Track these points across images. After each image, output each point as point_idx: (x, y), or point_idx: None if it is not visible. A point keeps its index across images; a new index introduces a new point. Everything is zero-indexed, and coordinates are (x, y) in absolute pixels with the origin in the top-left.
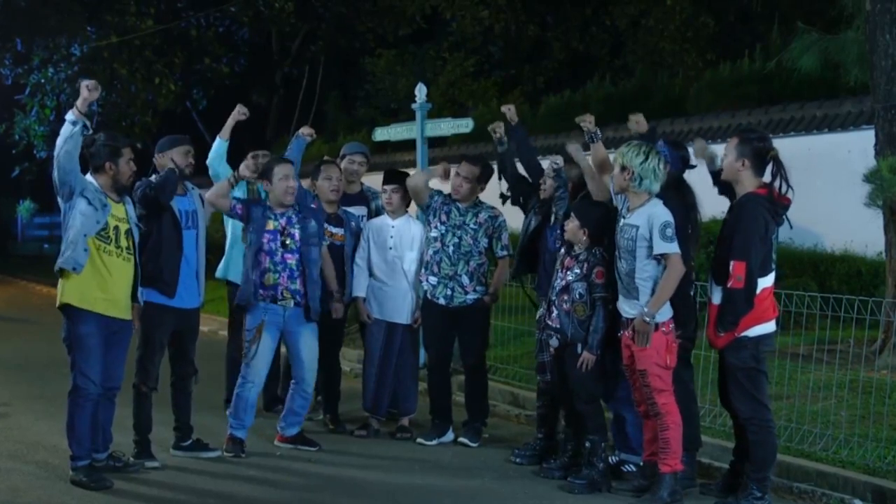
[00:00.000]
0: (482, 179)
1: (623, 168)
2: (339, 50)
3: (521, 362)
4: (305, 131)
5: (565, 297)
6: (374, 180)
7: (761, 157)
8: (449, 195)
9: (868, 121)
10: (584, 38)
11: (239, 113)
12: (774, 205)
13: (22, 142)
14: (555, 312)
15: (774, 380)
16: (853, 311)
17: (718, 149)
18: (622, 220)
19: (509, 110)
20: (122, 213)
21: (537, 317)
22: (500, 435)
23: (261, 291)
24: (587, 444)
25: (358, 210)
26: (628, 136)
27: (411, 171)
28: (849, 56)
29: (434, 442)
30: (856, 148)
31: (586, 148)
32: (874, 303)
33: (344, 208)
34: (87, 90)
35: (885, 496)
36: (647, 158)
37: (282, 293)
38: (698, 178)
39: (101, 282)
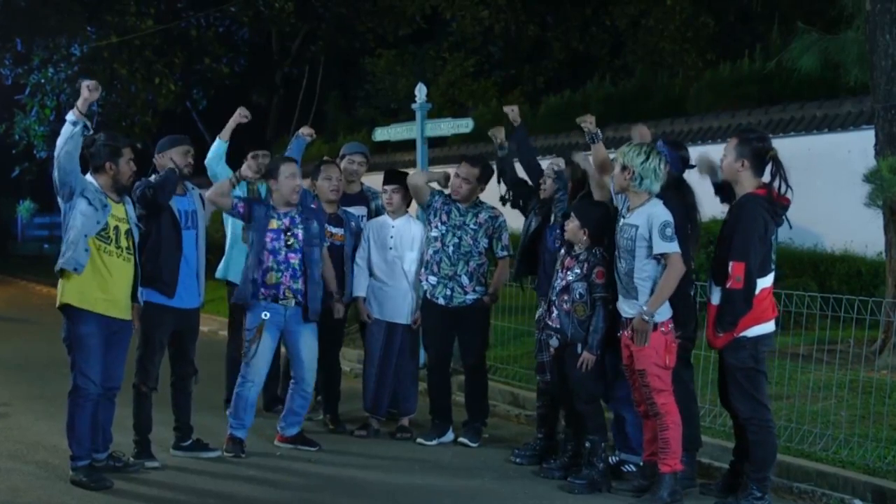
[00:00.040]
0: (482, 180)
1: (624, 168)
2: (339, 50)
3: (521, 362)
4: (305, 131)
5: (565, 297)
6: (374, 180)
7: (761, 157)
8: (450, 195)
9: (868, 121)
10: (584, 38)
11: (240, 115)
12: (774, 205)
13: (22, 142)
14: (555, 312)
15: (774, 380)
16: (853, 311)
17: (718, 149)
18: (622, 219)
19: (512, 111)
20: (122, 214)
21: (536, 317)
22: (500, 435)
23: (262, 290)
24: (587, 444)
25: (358, 210)
26: (628, 136)
27: (411, 171)
28: (849, 56)
29: (434, 442)
30: (856, 148)
31: (587, 148)
32: (874, 303)
33: (344, 208)
34: (88, 90)
35: (885, 496)
36: (647, 158)
37: (284, 292)
38: (698, 178)
39: (102, 282)
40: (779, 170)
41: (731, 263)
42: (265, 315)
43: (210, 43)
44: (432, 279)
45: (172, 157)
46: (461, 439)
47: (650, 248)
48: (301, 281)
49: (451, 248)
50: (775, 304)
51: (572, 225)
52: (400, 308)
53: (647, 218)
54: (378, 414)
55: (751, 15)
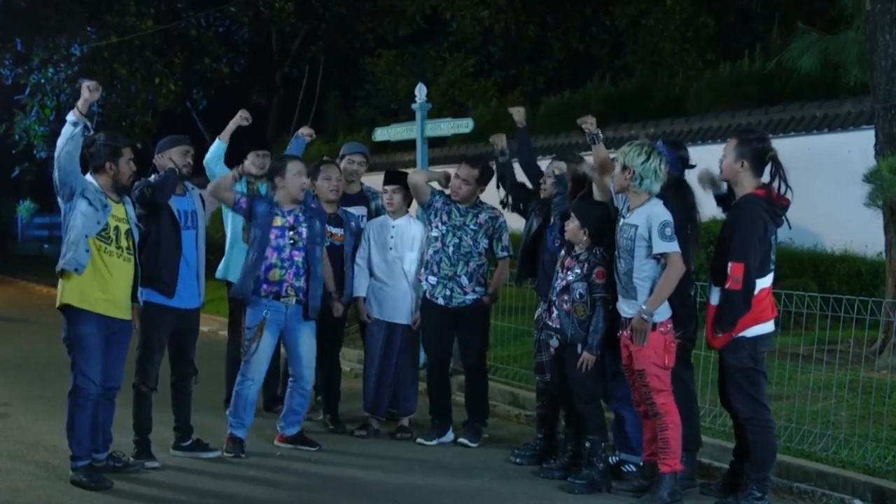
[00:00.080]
0: (482, 181)
1: (624, 167)
2: (339, 50)
3: (521, 362)
4: (305, 131)
5: (565, 297)
6: (374, 180)
7: (760, 157)
8: (450, 195)
9: (868, 121)
10: (584, 38)
11: (241, 118)
12: (773, 205)
13: (22, 142)
14: (555, 313)
15: (774, 380)
16: (853, 311)
17: (718, 149)
18: (622, 219)
19: (518, 112)
20: (122, 214)
21: (535, 317)
22: (500, 435)
23: (265, 286)
24: (587, 444)
25: (358, 210)
26: (628, 136)
27: (411, 171)
28: (849, 56)
29: (434, 442)
30: (856, 148)
31: (587, 149)
32: (874, 303)
33: (344, 208)
34: (88, 91)
35: (885, 496)
36: (648, 158)
37: (286, 290)
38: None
39: (102, 282)
40: (778, 170)
41: (730, 264)
42: (266, 314)
43: (210, 43)
44: (432, 279)
45: (172, 157)
46: (461, 440)
47: (649, 247)
48: (303, 279)
49: (451, 249)
50: (774, 305)
51: (572, 225)
52: (400, 308)
53: (646, 218)
54: (378, 414)
55: (751, 15)
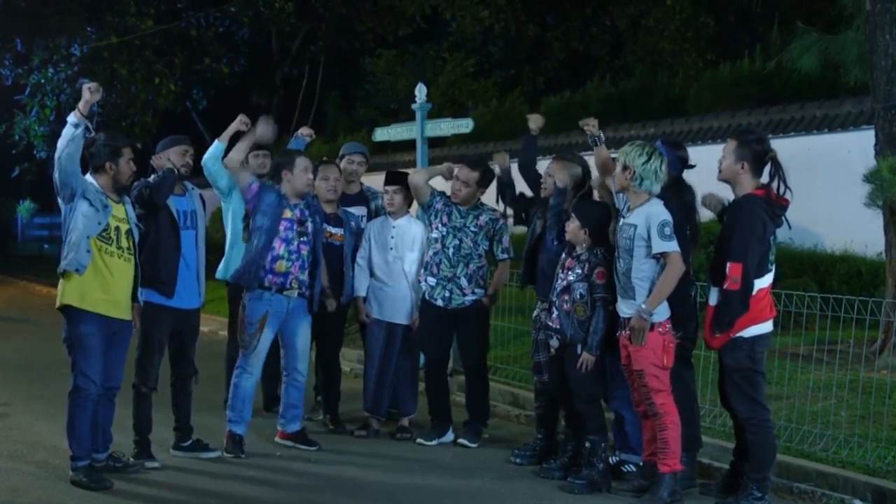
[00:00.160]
0: (482, 184)
1: (625, 167)
2: (339, 50)
3: (521, 362)
4: (305, 132)
5: (566, 298)
6: (374, 180)
7: (760, 159)
8: (450, 197)
9: (868, 121)
10: (584, 38)
11: (241, 122)
12: (772, 206)
13: (22, 142)
14: (555, 313)
15: (774, 380)
16: (853, 311)
17: (718, 150)
18: (622, 219)
19: (535, 120)
20: (122, 214)
21: (533, 317)
22: (500, 435)
23: (270, 276)
24: (587, 445)
25: (358, 210)
26: (629, 136)
27: (411, 172)
28: (849, 56)
29: (434, 442)
30: (856, 148)
31: (588, 149)
32: (874, 303)
33: (344, 208)
34: (90, 92)
35: (885, 496)
36: (649, 159)
37: (290, 282)
38: (698, 179)
39: (103, 283)
40: (778, 171)
41: (728, 264)
42: (268, 309)
43: (210, 43)
44: (431, 280)
45: (170, 157)
46: (461, 440)
47: (649, 247)
48: (307, 273)
49: (451, 250)
50: (773, 305)
51: (573, 225)
52: (400, 308)
53: (645, 217)
54: (378, 414)
55: (751, 15)
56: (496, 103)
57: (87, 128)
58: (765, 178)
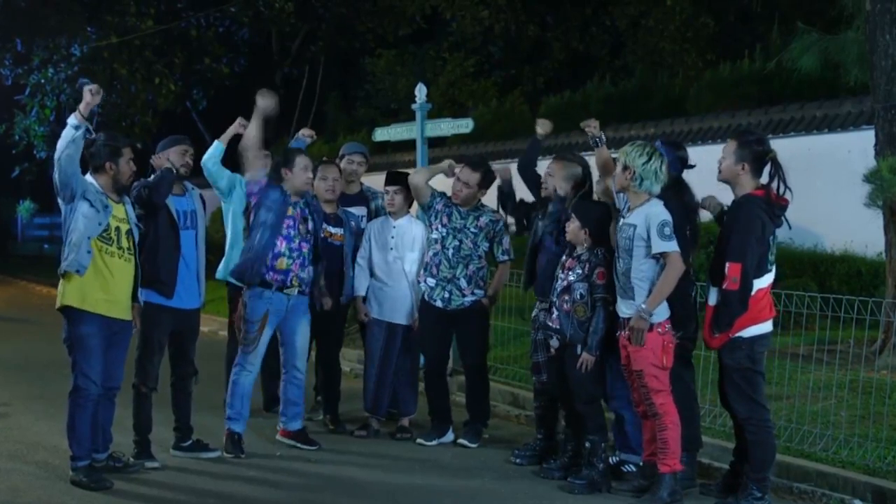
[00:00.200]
0: (482, 185)
1: (625, 167)
2: (339, 50)
3: (521, 363)
4: (306, 133)
5: (566, 298)
6: (374, 180)
7: (760, 159)
8: (451, 198)
9: (868, 121)
10: (584, 38)
11: (239, 125)
12: (772, 206)
13: (22, 142)
14: (555, 313)
15: (774, 380)
16: (853, 311)
17: (718, 150)
18: (622, 219)
19: (544, 125)
20: (122, 214)
21: (532, 317)
22: (500, 435)
23: (271, 273)
24: (587, 445)
25: (358, 210)
26: (629, 136)
27: (412, 172)
28: (849, 56)
29: (434, 442)
30: (856, 148)
31: (588, 149)
32: (874, 303)
33: (344, 208)
34: (90, 95)
35: (885, 496)
36: (649, 159)
37: (291, 280)
38: (698, 180)
39: (104, 283)
40: (778, 171)
41: (727, 264)
42: (269, 308)
43: (210, 43)
44: (431, 281)
45: (170, 157)
46: (460, 440)
47: (648, 247)
48: (308, 270)
49: (450, 251)
50: (773, 305)
51: (573, 225)
52: (400, 308)
53: (645, 217)
54: (378, 414)
55: (751, 15)
56: (496, 103)
57: (87, 129)
58: (765, 179)
